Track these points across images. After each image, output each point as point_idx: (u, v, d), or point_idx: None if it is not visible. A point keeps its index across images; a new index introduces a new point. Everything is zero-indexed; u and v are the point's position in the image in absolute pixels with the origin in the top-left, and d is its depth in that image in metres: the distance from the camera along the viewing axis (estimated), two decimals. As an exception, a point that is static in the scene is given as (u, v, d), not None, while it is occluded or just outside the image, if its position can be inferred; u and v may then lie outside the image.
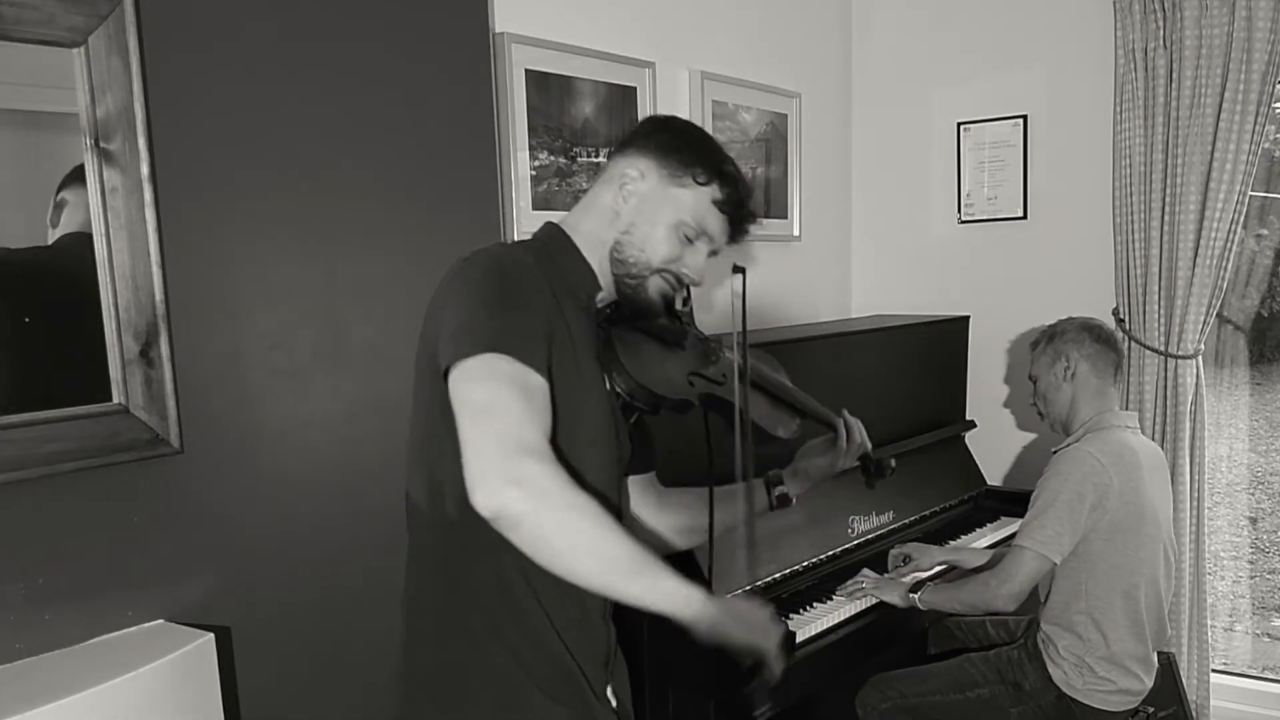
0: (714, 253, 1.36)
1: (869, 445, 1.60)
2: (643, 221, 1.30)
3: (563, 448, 1.14)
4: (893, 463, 1.65)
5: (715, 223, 1.32)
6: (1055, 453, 2.18)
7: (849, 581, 2.27)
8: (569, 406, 1.21)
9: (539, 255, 1.29)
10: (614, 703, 1.40)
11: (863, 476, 1.65)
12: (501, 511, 1.01)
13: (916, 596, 2.17)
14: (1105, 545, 2.06)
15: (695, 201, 1.31)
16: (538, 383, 1.10)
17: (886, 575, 2.36)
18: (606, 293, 1.35)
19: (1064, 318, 2.33)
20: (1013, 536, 2.67)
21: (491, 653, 1.26)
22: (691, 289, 1.39)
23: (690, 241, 1.32)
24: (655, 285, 1.33)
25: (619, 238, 1.31)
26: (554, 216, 1.40)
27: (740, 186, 1.33)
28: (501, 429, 1.03)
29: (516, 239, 2.13)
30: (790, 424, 1.54)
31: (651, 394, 1.34)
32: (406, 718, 1.32)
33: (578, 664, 1.29)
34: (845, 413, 1.59)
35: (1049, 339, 2.30)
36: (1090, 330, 2.26)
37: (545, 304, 1.20)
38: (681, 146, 1.31)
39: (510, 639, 1.25)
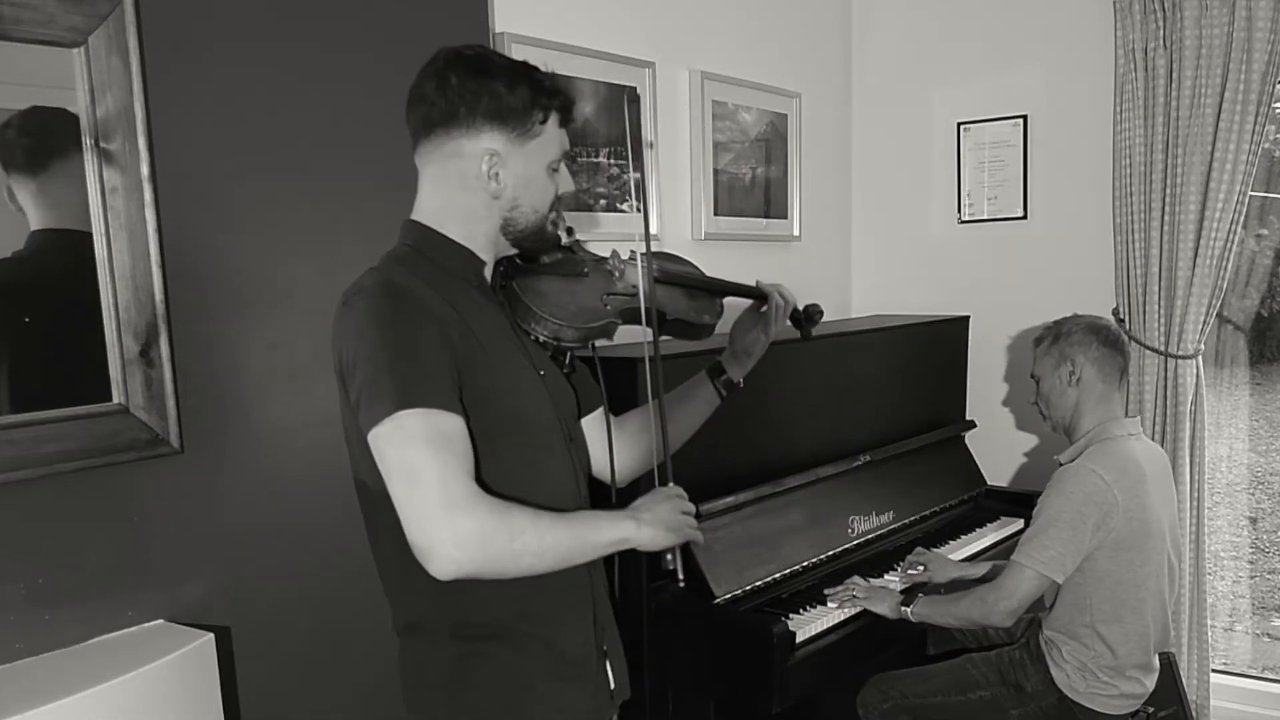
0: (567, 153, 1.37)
1: (796, 302, 1.61)
2: (524, 190, 1.30)
3: (512, 440, 1.22)
4: (821, 306, 1.68)
5: (564, 136, 1.34)
6: (1060, 466, 2.14)
7: (838, 589, 2.22)
8: (499, 400, 1.24)
9: (414, 262, 1.28)
10: (611, 681, 1.41)
11: (798, 331, 1.66)
12: (457, 574, 1.10)
13: (909, 610, 2.13)
14: (1110, 562, 2.03)
15: (548, 139, 1.31)
16: (452, 425, 1.14)
17: (885, 578, 2.35)
18: (493, 260, 1.35)
19: (1069, 315, 2.27)
20: (1012, 537, 2.69)
21: (488, 652, 1.28)
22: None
23: (557, 170, 1.34)
24: (548, 222, 1.35)
25: (508, 215, 1.31)
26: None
27: (560, 92, 1.31)
28: (428, 495, 1.09)
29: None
30: (713, 308, 1.56)
31: (574, 329, 1.36)
32: None
33: (560, 639, 1.32)
34: (760, 281, 1.60)
35: (1054, 339, 2.22)
36: (1098, 332, 2.18)
37: (435, 321, 1.20)
38: (508, 101, 1.26)
39: (501, 633, 1.28)
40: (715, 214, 2.82)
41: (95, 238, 1.55)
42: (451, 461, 1.11)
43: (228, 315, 1.74)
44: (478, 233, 1.31)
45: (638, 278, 1.42)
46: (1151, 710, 2.17)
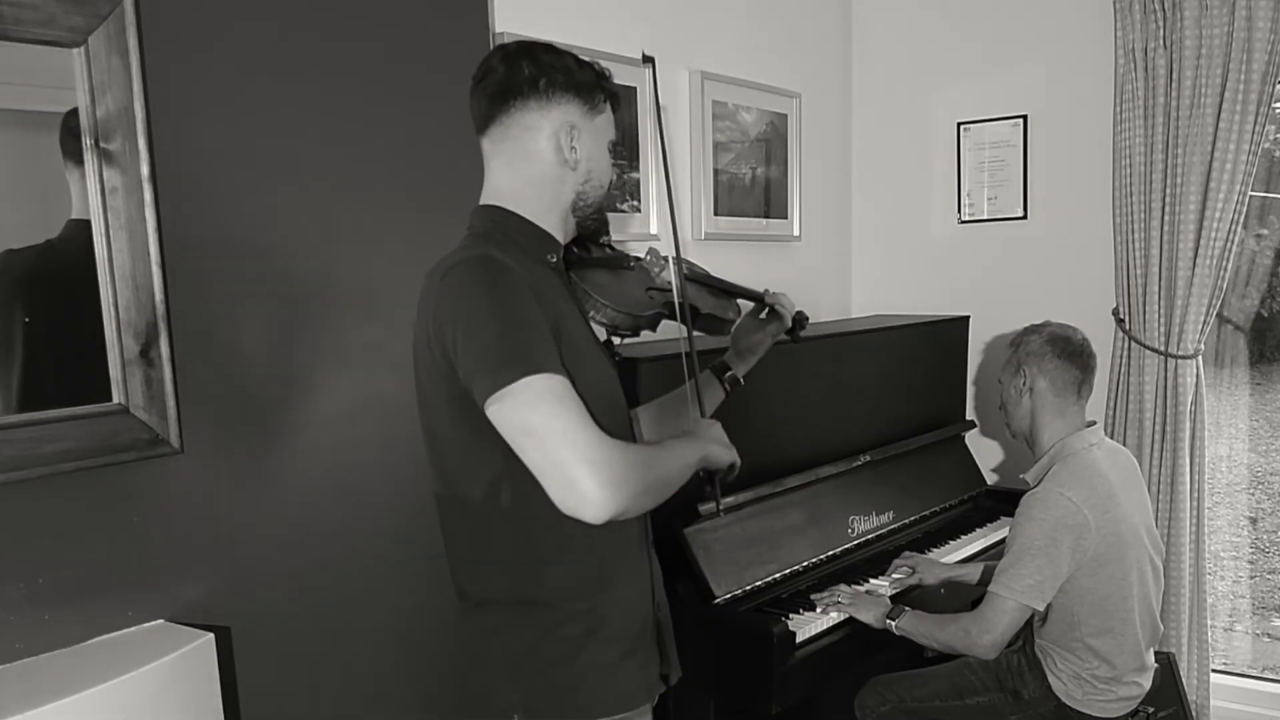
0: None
1: (795, 307, 1.72)
2: (595, 164, 1.39)
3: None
4: (806, 313, 1.77)
5: (614, 123, 1.43)
6: (1026, 485, 2.11)
7: (824, 593, 2.21)
8: (581, 380, 1.26)
9: (501, 244, 1.32)
10: (661, 659, 1.47)
11: (789, 337, 1.75)
12: (615, 513, 1.16)
13: (894, 623, 2.10)
14: (1091, 580, 2.01)
15: (608, 119, 1.41)
16: (568, 385, 1.20)
17: (872, 582, 2.34)
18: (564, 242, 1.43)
19: (1040, 322, 2.21)
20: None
21: (559, 632, 1.34)
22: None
23: (610, 152, 1.43)
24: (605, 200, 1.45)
25: (580, 189, 1.38)
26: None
27: (610, 79, 1.40)
28: (574, 444, 1.15)
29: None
30: (733, 306, 1.67)
31: (630, 317, 1.45)
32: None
33: (620, 615, 1.38)
34: (767, 289, 1.70)
35: (1015, 345, 2.19)
36: (1056, 344, 2.11)
37: (531, 290, 1.25)
38: (580, 76, 1.36)
39: (570, 609, 1.34)
40: (715, 214, 2.82)
41: (95, 238, 1.55)
42: (582, 413, 1.17)
43: (228, 315, 1.74)
44: (552, 209, 1.37)
45: (672, 276, 1.53)
46: (1151, 710, 2.17)
